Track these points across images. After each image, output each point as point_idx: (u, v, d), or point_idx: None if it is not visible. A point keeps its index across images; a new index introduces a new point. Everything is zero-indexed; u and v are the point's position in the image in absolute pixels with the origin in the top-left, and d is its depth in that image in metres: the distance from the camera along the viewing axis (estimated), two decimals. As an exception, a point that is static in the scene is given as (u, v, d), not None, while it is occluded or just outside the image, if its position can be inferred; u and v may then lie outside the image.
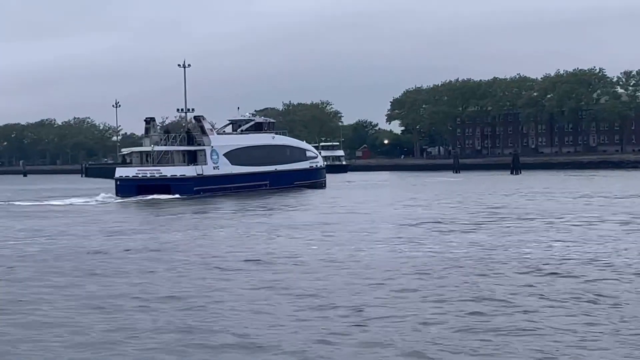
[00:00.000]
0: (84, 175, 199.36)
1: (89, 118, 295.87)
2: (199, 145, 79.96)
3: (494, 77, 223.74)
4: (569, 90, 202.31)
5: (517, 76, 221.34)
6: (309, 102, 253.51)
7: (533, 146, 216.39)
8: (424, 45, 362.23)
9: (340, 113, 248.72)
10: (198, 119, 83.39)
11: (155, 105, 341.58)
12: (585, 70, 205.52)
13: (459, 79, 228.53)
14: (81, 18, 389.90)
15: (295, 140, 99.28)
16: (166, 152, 78.44)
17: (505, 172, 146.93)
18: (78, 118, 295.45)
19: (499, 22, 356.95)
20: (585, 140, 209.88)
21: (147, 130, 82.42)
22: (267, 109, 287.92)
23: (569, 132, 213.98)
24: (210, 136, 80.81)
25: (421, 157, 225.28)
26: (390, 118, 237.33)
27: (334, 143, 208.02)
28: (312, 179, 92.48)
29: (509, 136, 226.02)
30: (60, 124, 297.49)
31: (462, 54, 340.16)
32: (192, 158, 79.14)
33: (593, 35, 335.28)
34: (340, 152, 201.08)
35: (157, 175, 76.77)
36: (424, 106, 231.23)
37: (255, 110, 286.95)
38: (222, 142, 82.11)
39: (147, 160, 79.22)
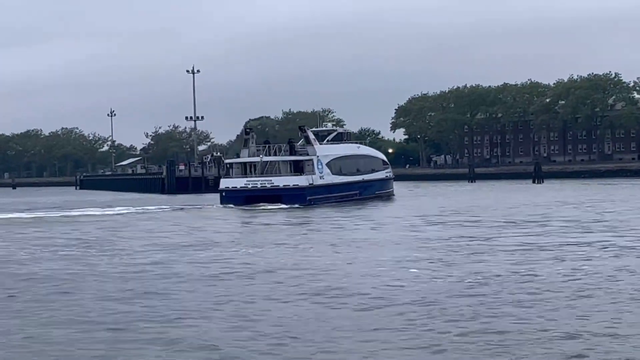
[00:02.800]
0: (78, 187, 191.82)
1: (77, 128, 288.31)
2: (304, 155, 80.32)
3: (504, 82, 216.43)
4: (583, 96, 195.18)
5: (529, 82, 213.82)
6: (309, 110, 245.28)
7: (545, 154, 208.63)
8: (428, 51, 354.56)
9: (342, 121, 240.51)
10: (302, 129, 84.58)
11: (147, 114, 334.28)
12: (600, 75, 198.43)
13: (467, 85, 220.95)
14: (63, 25, 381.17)
15: (374, 149, 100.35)
16: (272, 162, 78.91)
17: (525, 181, 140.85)
18: (66, 128, 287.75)
19: (508, 26, 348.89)
20: (600, 148, 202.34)
21: (246, 141, 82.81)
22: (262, 117, 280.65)
23: (583, 140, 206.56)
24: (315, 146, 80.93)
25: (428, 167, 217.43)
26: (395, 126, 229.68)
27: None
28: (388, 189, 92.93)
29: (519, 144, 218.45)
30: (47, 134, 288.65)
31: (469, 60, 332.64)
32: (298, 168, 79.46)
33: (607, 39, 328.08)
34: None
35: (268, 185, 76.95)
36: (430, 113, 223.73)
37: (250, 119, 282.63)
38: (325, 152, 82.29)
39: (250, 171, 79.10)
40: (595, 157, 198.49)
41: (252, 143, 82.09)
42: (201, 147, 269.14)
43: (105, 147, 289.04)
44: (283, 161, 79.55)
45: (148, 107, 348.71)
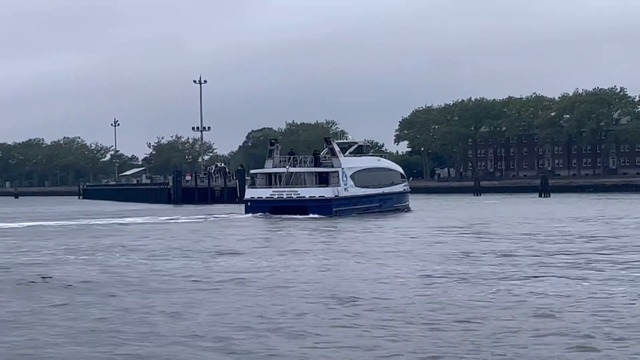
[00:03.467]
0: (81, 197, 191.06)
1: (79, 138, 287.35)
2: (328, 166, 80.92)
3: (509, 96, 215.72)
4: (588, 110, 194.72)
5: (533, 95, 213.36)
6: (313, 122, 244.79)
7: (549, 168, 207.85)
8: (432, 63, 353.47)
9: (346, 133, 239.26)
10: (328, 140, 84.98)
11: (148, 124, 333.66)
12: (605, 90, 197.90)
13: (472, 98, 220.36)
14: (63, 35, 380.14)
15: (393, 163, 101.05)
16: (297, 173, 79.48)
17: (531, 195, 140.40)
18: (68, 138, 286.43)
19: (513, 39, 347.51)
20: (604, 163, 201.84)
21: (270, 152, 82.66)
22: (264, 129, 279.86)
23: (588, 154, 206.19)
24: (340, 158, 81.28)
25: (432, 179, 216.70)
26: (398, 138, 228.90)
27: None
28: (405, 202, 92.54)
29: (523, 158, 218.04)
30: (49, 143, 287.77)
31: (474, 73, 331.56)
32: (323, 179, 79.90)
33: (611, 53, 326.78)
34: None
35: (294, 196, 77.34)
36: (434, 126, 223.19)
37: (252, 131, 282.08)
38: (350, 164, 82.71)
39: (275, 182, 79.76)
40: (600, 172, 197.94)
41: (277, 154, 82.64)
42: (204, 157, 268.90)
43: (107, 157, 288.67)
44: (308, 172, 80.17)
45: (149, 117, 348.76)
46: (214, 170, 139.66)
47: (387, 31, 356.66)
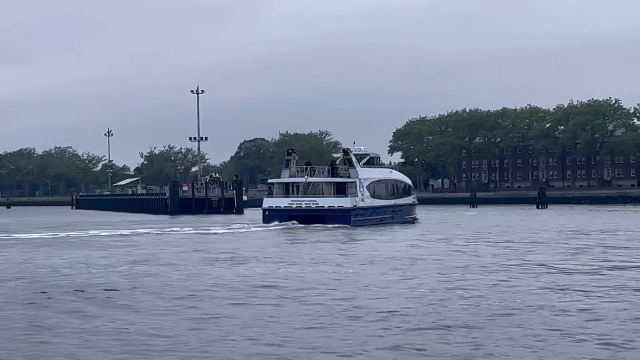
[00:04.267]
0: (74, 207, 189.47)
1: (70, 147, 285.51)
2: (345, 177, 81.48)
3: (504, 107, 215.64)
4: (583, 121, 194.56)
5: (528, 107, 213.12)
6: (306, 132, 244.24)
7: (544, 179, 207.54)
8: (427, 75, 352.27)
9: (340, 144, 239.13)
10: (346, 151, 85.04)
11: (139, 134, 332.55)
12: (600, 101, 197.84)
13: (466, 109, 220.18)
14: (53, 45, 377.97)
15: (403, 175, 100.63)
16: (315, 183, 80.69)
17: (528, 206, 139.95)
18: (59, 147, 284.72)
19: (506, 51, 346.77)
20: (599, 174, 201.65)
21: (287, 162, 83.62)
22: (256, 139, 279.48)
23: (582, 165, 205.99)
24: (357, 169, 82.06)
25: (425, 190, 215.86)
26: (392, 149, 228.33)
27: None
28: (413, 213, 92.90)
29: (518, 169, 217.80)
30: (40, 153, 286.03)
31: (468, 84, 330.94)
32: (341, 189, 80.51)
33: (606, 65, 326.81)
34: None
35: (313, 205, 78.37)
36: (428, 137, 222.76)
37: (245, 141, 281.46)
38: (366, 175, 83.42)
39: (292, 191, 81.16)
40: (594, 183, 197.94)
41: (294, 164, 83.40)
42: (194, 168, 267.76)
43: (99, 167, 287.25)
44: (326, 182, 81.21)
45: (140, 127, 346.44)
46: (209, 180, 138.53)
47: (380, 43, 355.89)
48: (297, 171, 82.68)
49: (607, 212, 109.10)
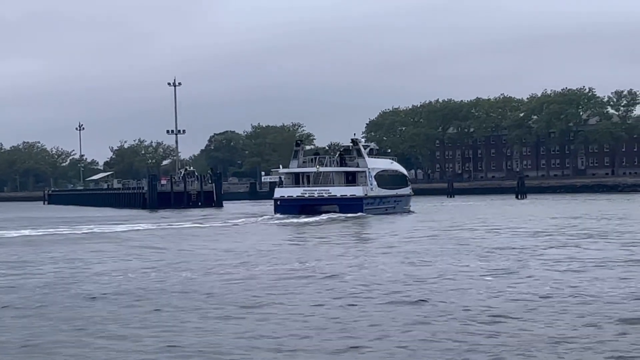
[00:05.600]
0: (46, 202, 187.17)
1: (38, 142, 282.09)
2: (354, 166, 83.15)
3: (477, 97, 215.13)
4: (557, 110, 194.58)
5: (502, 97, 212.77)
6: (279, 125, 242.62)
7: (517, 169, 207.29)
8: (399, 66, 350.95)
9: (312, 136, 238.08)
10: (355, 141, 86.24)
11: (104, 130, 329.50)
12: (574, 90, 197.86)
13: (439, 100, 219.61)
14: (17, 43, 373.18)
15: (401, 166, 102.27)
16: (326, 172, 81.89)
17: (507, 196, 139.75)
18: (27, 142, 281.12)
19: (479, 41, 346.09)
20: (573, 163, 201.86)
21: (296, 152, 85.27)
22: (227, 132, 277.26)
23: (556, 155, 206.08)
24: (366, 159, 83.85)
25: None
26: (366, 141, 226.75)
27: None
28: (409, 204, 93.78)
29: (491, 159, 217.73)
30: (8, 148, 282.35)
31: (441, 75, 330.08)
32: (351, 179, 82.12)
33: (579, 54, 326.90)
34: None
35: (325, 195, 79.74)
36: (401, 128, 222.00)
37: (214, 134, 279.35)
38: (373, 165, 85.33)
39: (302, 181, 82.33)
40: (569, 172, 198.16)
41: (301, 154, 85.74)
42: (165, 162, 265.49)
43: (67, 162, 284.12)
44: (337, 172, 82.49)
45: (106, 122, 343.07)
46: (184, 174, 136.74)
47: (352, 34, 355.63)
48: (304, 162, 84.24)
49: (597, 201, 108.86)
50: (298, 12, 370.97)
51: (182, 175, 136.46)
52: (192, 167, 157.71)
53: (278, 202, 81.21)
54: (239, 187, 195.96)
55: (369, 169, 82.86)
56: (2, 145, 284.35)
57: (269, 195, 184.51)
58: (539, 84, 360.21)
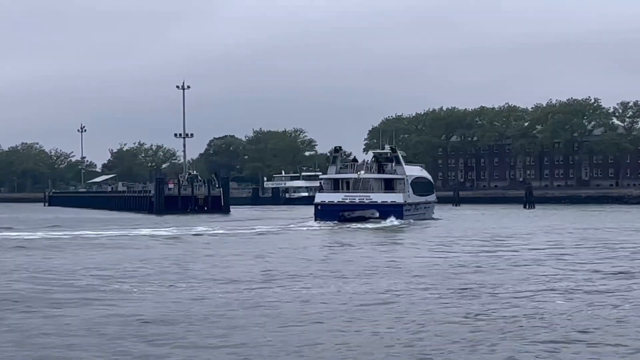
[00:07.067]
0: (46, 204, 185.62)
1: (37, 143, 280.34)
2: (391, 173, 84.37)
3: (481, 106, 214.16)
4: (562, 120, 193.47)
5: (506, 105, 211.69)
6: (280, 130, 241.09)
7: (521, 179, 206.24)
8: (404, 72, 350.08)
9: (314, 142, 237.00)
10: (393, 149, 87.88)
11: (101, 132, 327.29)
12: (579, 100, 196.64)
13: (443, 108, 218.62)
14: (14, 43, 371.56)
15: (428, 173, 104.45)
16: (365, 179, 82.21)
17: (514, 206, 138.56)
18: (25, 143, 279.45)
19: (484, 48, 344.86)
20: (577, 174, 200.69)
21: (334, 158, 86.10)
22: (226, 136, 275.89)
23: (560, 165, 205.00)
24: (404, 166, 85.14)
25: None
26: (368, 147, 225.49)
27: (317, 173, 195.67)
28: (434, 211, 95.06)
29: (494, 168, 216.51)
30: (6, 149, 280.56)
31: (446, 82, 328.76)
32: (389, 186, 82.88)
33: (585, 64, 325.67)
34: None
35: (366, 200, 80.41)
36: (404, 135, 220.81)
37: (214, 138, 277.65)
38: (410, 172, 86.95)
39: (342, 187, 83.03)
40: (572, 183, 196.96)
41: (339, 160, 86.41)
42: (164, 165, 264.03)
43: (65, 164, 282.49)
44: (376, 178, 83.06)
45: (103, 124, 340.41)
46: (187, 178, 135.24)
47: (356, 39, 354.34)
48: (341, 168, 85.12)
49: (615, 212, 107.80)
50: (301, 16, 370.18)
51: (185, 178, 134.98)
52: (195, 171, 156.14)
53: (319, 207, 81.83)
54: (241, 192, 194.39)
55: (406, 176, 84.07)
56: (0, 145, 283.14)
57: (271, 200, 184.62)
58: (543, 93, 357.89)
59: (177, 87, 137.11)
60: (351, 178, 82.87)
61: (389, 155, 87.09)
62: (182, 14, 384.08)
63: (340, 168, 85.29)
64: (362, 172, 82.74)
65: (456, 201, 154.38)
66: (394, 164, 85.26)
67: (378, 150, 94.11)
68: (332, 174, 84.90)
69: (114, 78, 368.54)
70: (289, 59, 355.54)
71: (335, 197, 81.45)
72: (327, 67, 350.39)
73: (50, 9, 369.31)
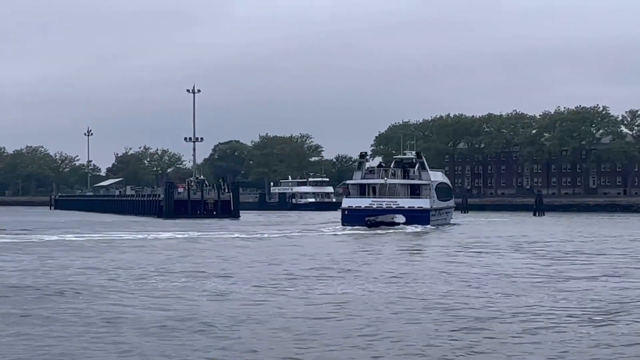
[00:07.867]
0: (52, 207, 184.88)
1: (42, 147, 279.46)
2: (416, 179, 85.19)
3: (489, 113, 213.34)
4: (570, 128, 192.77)
5: (514, 112, 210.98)
6: (287, 135, 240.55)
7: (528, 186, 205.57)
8: (408, 79, 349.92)
9: (321, 147, 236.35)
10: (419, 154, 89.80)
11: (103, 136, 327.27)
12: (587, 108, 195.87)
13: (450, 114, 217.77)
14: (18, 46, 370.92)
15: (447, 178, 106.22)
16: (391, 184, 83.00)
17: (523, 214, 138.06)
18: (30, 147, 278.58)
19: (491, 56, 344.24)
20: (585, 182, 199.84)
21: (360, 164, 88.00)
22: (231, 141, 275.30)
23: (567, 173, 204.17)
24: (429, 172, 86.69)
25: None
26: (374, 153, 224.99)
27: (324, 179, 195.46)
28: (452, 216, 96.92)
29: (501, 175, 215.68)
30: (11, 152, 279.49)
31: (453, 88, 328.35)
32: (415, 191, 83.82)
33: (594, 72, 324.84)
34: (330, 189, 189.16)
35: (393, 206, 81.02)
36: (411, 142, 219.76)
37: (219, 143, 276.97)
38: (434, 178, 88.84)
39: (368, 192, 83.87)
40: (580, 191, 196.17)
41: (365, 166, 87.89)
42: (169, 170, 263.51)
43: (68, 168, 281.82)
44: (402, 184, 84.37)
45: (106, 128, 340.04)
46: (194, 182, 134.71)
47: (362, 45, 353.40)
48: (366, 173, 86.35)
49: (629, 220, 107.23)
50: (307, 24, 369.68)
51: (192, 183, 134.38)
52: (202, 176, 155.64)
53: (346, 212, 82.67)
54: (247, 197, 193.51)
55: (432, 181, 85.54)
56: (4, 149, 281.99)
57: (277, 205, 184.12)
58: (551, 100, 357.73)
59: (188, 90, 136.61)
60: (377, 183, 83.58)
61: (413, 160, 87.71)
62: (183, 17, 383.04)
63: (366, 174, 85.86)
64: (386, 178, 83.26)
65: (465, 208, 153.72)
66: (416, 169, 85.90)
67: (400, 156, 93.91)
68: (357, 179, 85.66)
69: (116, 81, 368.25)
70: (294, 62, 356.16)
71: (363, 202, 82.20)
72: (335, 70, 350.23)
73: (58, 10, 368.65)
